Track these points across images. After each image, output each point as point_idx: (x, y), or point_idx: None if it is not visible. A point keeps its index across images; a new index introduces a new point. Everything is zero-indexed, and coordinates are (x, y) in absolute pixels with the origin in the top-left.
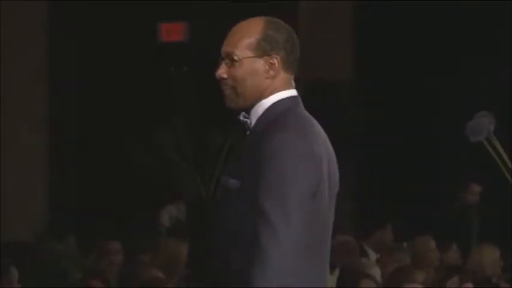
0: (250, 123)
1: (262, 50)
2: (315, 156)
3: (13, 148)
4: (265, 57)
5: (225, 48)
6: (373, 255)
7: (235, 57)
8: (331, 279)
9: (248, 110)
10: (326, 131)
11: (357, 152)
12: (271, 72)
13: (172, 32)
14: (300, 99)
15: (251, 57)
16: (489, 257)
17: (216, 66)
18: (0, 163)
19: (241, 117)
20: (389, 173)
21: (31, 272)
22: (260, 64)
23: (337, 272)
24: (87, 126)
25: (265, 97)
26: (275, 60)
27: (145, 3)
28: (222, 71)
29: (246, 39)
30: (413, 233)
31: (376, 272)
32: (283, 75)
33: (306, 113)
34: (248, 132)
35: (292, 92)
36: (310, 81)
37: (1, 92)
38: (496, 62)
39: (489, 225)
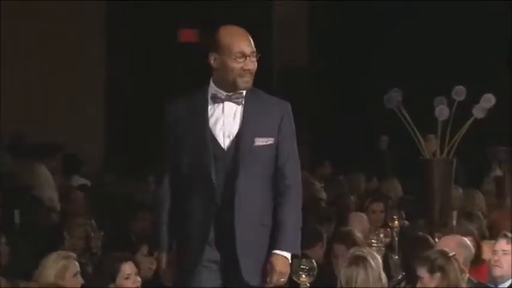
0: (242, 98)
1: None
2: None
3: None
4: None
5: (252, 48)
6: (318, 185)
7: (257, 54)
8: None
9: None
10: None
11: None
12: None
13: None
14: None
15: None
16: (395, 186)
17: (239, 62)
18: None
19: (236, 96)
20: (334, 131)
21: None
22: None
23: None
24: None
25: None
26: None
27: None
28: (255, 65)
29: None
30: (346, 168)
31: (324, 195)
32: None
33: None
34: (243, 103)
35: None
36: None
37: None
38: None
39: (397, 164)
